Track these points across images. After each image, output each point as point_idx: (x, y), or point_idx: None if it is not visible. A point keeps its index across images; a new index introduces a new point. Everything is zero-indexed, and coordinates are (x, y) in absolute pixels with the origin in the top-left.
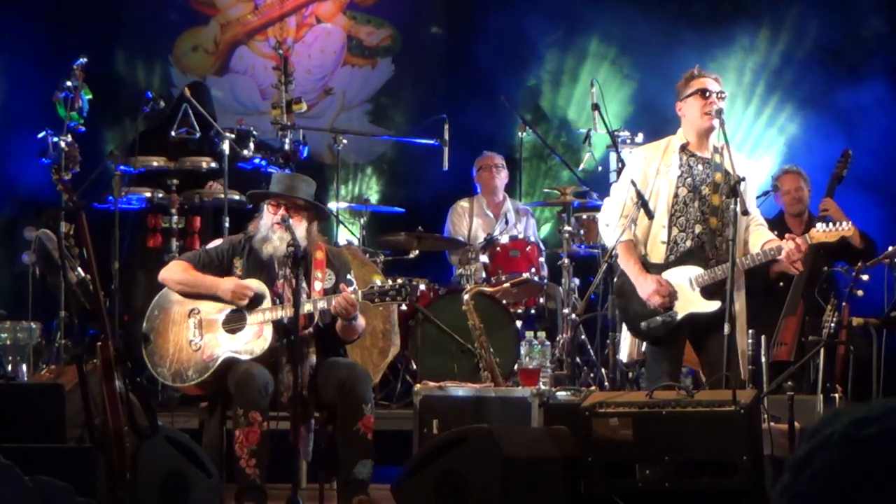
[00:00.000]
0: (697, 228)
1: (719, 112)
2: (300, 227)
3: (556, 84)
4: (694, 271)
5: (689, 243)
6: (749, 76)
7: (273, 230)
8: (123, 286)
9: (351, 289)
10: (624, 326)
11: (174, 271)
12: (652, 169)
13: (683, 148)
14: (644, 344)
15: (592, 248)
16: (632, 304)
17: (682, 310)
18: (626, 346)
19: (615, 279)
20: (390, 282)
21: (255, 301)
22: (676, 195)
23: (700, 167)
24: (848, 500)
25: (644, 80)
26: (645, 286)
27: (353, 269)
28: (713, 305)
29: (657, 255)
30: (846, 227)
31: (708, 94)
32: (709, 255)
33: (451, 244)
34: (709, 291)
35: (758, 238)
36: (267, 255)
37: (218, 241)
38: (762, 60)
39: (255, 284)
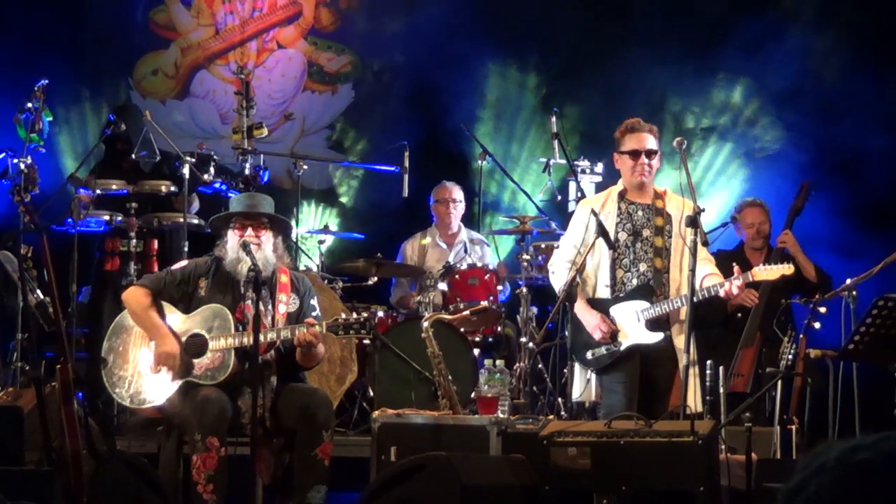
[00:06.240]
0: (642, 267)
1: (681, 143)
2: (267, 244)
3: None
4: (641, 305)
5: (635, 281)
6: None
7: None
8: (83, 309)
9: (315, 314)
10: (576, 366)
11: (135, 297)
12: (592, 219)
13: (622, 196)
14: (595, 386)
15: None
16: (581, 334)
17: (626, 340)
18: (578, 384)
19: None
20: (355, 315)
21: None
22: (617, 239)
23: (640, 213)
24: None
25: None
26: (589, 320)
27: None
28: (656, 337)
29: (604, 294)
30: (786, 267)
31: (639, 155)
32: (656, 292)
33: (409, 271)
34: (653, 324)
35: (699, 274)
36: (239, 276)
37: (184, 263)
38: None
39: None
